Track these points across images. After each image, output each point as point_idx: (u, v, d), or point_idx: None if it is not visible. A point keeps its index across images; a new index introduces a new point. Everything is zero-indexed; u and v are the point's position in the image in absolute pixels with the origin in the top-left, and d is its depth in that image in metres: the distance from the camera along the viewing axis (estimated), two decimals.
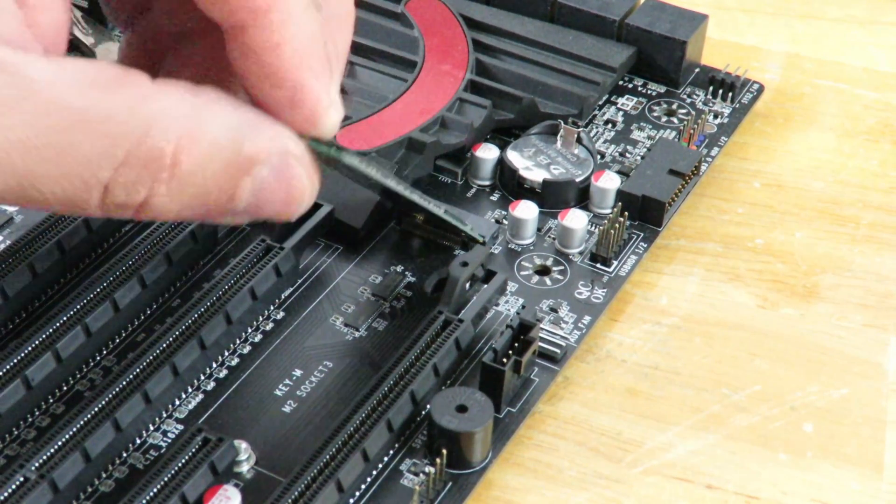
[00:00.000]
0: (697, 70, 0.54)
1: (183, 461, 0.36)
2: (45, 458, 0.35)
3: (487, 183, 0.49)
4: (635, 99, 0.53)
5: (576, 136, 0.49)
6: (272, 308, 0.43)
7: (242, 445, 0.38)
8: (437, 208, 0.42)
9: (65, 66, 0.32)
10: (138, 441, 0.38)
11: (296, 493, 0.35)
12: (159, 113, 0.31)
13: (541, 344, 0.41)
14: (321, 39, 0.36)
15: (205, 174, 0.32)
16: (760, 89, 0.54)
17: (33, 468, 0.35)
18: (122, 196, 0.32)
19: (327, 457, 0.36)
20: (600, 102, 0.53)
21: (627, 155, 0.50)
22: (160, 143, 0.31)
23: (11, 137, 0.30)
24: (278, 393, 0.40)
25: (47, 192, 0.31)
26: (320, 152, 0.35)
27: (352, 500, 0.37)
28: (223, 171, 0.32)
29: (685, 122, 0.51)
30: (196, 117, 0.32)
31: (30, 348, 0.38)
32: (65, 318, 0.39)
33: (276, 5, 0.35)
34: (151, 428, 0.39)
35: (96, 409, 0.37)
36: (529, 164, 0.48)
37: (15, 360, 0.38)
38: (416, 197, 0.41)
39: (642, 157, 0.50)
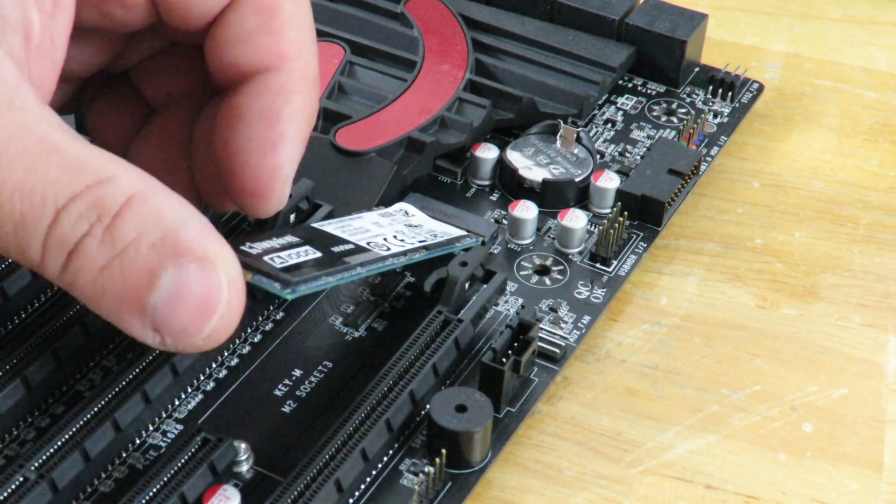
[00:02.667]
0: (697, 69, 0.54)
1: (182, 461, 0.36)
2: (44, 458, 0.35)
3: (487, 183, 0.49)
4: (635, 98, 0.53)
5: (575, 135, 0.49)
6: (271, 308, 0.43)
7: (242, 445, 0.38)
8: (419, 251, 0.42)
9: (50, 110, 0.34)
10: (138, 441, 0.38)
11: (295, 493, 0.35)
12: (123, 171, 0.33)
13: (540, 344, 0.41)
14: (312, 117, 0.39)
15: (138, 240, 0.33)
16: (760, 89, 0.54)
17: (33, 468, 0.35)
18: (66, 227, 0.33)
19: (327, 456, 0.36)
20: (600, 102, 0.53)
21: (627, 154, 0.50)
22: (115, 191, 0.33)
23: None
24: (278, 393, 0.40)
25: (6, 201, 0.32)
26: (265, 291, 0.36)
27: (351, 500, 0.37)
28: (155, 246, 0.33)
29: (685, 122, 0.51)
30: (151, 189, 0.33)
31: (29, 348, 0.38)
32: (64, 319, 0.39)
33: (299, 58, 0.38)
34: (151, 428, 0.38)
35: (96, 409, 0.37)
36: (529, 163, 0.48)
37: (14, 361, 0.38)
38: (391, 262, 0.40)
39: (642, 157, 0.50)
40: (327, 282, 0.37)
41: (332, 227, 0.41)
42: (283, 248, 0.38)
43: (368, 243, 0.40)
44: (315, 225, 0.41)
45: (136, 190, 0.33)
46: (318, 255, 0.38)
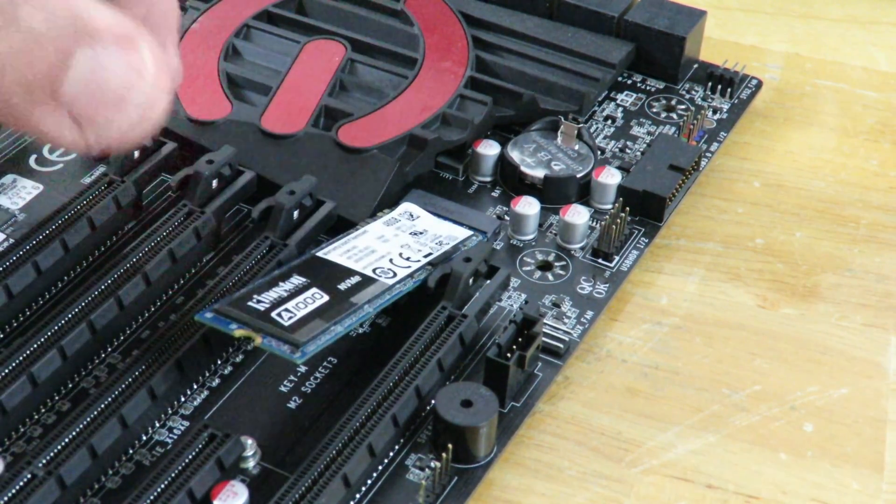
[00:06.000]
0: (696, 66, 0.54)
1: (189, 457, 0.36)
2: (51, 454, 0.35)
3: (488, 179, 0.49)
4: (634, 95, 0.53)
5: (576, 132, 0.49)
6: None
7: (248, 441, 0.38)
8: (424, 269, 0.42)
9: None
10: (144, 438, 0.38)
11: (303, 489, 0.35)
12: None
13: (544, 339, 0.42)
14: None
15: (43, 20, 0.29)
16: (759, 85, 0.54)
17: (40, 465, 0.35)
18: None
19: (333, 452, 0.36)
20: (600, 98, 0.53)
21: (627, 150, 0.50)
22: None
23: None
24: (283, 389, 0.40)
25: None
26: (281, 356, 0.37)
27: (358, 495, 0.37)
28: (64, 26, 0.30)
29: (684, 118, 0.51)
30: None
31: (35, 346, 0.38)
32: (69, 316, 0.39)
33: None
34: (157, 424, 0.39)
35: (102, 405, 0.37)
36: (530, 160, 0.48)
37: (20, 358, 0.38)
38: (398, 289, 0.41)
39: (642, 153, 0.50)
40: (336, 332, 0.39)
41: (337, 252, 0.42)
42: (291, 295, 0.39)
43: (374, 270, 0.41)
44: (320, 254, 0.42)
45: None
46: (326, 298, 0.40)
